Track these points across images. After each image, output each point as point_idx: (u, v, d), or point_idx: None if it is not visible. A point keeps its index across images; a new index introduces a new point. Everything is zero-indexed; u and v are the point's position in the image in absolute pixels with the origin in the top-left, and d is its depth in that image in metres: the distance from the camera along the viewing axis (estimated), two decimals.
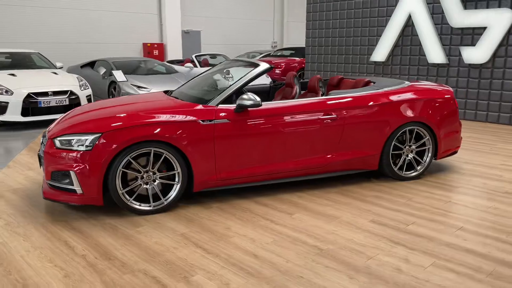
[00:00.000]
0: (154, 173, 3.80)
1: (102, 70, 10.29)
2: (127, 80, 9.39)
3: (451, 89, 5.11)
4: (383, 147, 4.61)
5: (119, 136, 3.61)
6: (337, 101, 4.41)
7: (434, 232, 3.46)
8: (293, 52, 15.03)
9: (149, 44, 16.05)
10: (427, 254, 3.09)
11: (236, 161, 4.03)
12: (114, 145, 3.58)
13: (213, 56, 13.65)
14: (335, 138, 4.39)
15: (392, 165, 4.69)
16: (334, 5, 10.90)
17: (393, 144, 4.63)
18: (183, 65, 12.74)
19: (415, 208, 3.98)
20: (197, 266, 2.92)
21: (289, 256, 3.06)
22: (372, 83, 5.03)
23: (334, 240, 3.31)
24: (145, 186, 3.79)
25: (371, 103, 4.51)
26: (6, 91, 7.81)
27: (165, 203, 3.85)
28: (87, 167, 3.57)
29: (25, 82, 8.17)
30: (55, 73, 8.98)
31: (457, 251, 3.12)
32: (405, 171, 4.79)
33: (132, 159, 3.68)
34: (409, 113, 4.64)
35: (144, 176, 3.77)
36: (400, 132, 4.64)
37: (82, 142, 3.61)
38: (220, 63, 14.94)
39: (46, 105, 8.01)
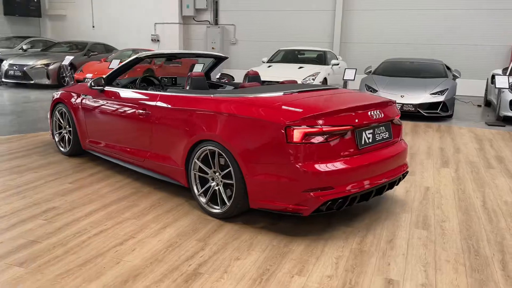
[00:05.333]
0: (65, 128, 5.42)
1: (368, 69, 10.86)
2: (353, 79, 9.51)
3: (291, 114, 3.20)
4: (187, 163, 3.79)
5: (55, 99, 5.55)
6: (153, 98, 4.21)
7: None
8: None
9: None
10: None
11: (95, 132, 4.89)
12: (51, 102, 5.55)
13: None
14: (146, 136, 4.18)
15: (197, 189, 3.75)
16: None
17: (193, 162, 3.71)
18: None
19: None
20: None
21: None
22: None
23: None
24: (65, 134, 5.47)
25: (176, 106, 3.89)
26: None
27: (67, 150, 5.41)
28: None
29: (274, 72, 10.19)
30: (301, 67, 10.49)
31: None
32: (214, 203, 3.66)
33: (59, 114, 5.46)
34: (208, 129, 3.57)
35: (63, 127, 5.46)
36: (202, 151, 3.62)
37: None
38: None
39: None
